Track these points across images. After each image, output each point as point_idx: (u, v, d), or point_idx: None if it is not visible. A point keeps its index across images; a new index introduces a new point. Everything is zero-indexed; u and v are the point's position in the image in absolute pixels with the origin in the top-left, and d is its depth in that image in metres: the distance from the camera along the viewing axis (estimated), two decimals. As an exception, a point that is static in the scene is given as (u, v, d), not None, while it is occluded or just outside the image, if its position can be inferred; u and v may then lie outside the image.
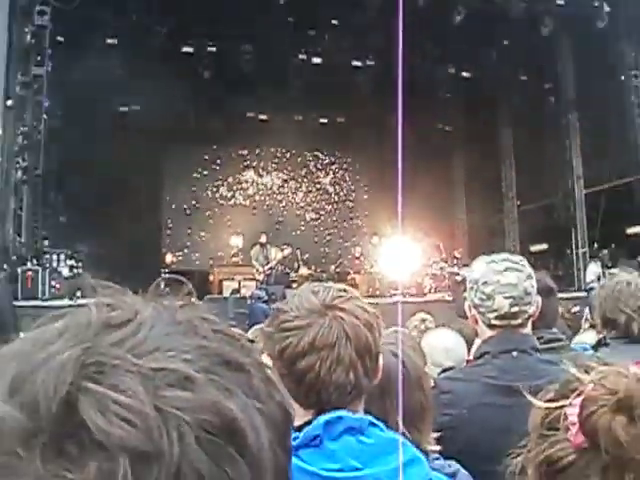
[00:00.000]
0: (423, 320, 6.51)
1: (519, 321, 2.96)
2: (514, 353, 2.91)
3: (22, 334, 0.73)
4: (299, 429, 1.71)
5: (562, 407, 1.31)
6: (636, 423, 1.21)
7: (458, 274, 20.29)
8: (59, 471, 0.54)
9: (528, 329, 3.03)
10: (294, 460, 1.55)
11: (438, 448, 2.42)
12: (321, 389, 1.76)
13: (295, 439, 1.66)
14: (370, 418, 1.78)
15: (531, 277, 3.01)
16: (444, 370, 3.78)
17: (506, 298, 2.92)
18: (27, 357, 0.62)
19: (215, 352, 0.66)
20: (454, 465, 2.32)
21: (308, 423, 1.74)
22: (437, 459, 2.35)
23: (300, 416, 1.79)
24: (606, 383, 1.27)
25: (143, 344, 0.63)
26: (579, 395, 1.29)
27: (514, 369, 2.83)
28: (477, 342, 3.42)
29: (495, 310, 2.94)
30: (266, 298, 16.52)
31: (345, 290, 1.91)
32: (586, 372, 1.34)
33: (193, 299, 0.77)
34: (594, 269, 19.83)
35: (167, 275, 17.21)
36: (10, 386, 0.59)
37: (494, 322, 2.97)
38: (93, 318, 0.66)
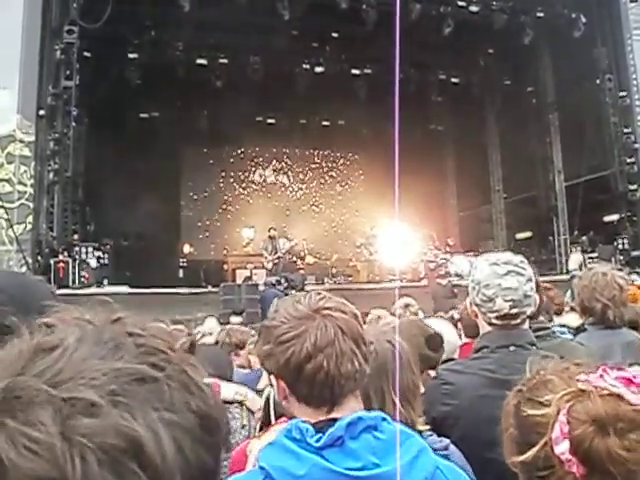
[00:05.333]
0: (407, 305, 6.49)
1: (518, 321, 2.92)
2: (511, 348, 2.87)
3: None
4: (320, 429, 1.69)
5: (545, 445, 1.33)
6: (623, 435, 1.25)
7: (433, 262, 20.33)
8: None
9: (526, 325, 2.99)
10: (318, 459, 1.62)
11: (428, 427, 2.43)
12: (333, 384, 1.75)
13: (318, 440, 1.66)
14: (382, 414, 1.76)
15: (531, 280, 2.94)
16: (444, 362, 3.73)
17: (506, 301, 2.87)
18: None
19: (128, 372, 0.69)
20: (444, 440, 2.33)
21: (328, 422, 1.71)
22: (430, 435, 2.36)
23: (311, 416, 1.78)
24: (579, 415, 1.30)
25: (61, 372, 0.67)
26: (552, 430, 1.31)
27: (511, 363, 2.74)
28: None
29: (496, 311, 2.90)
30: (285, 285, 16.54)
31: (319, 293, 1.91)
32: (543, 405, 1.38)
33: (122, 314, 0.80)
34: (577, 258, 19.78)
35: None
36: None
37: (494, 321, 2.93)
38: (25, 346, 0.70)
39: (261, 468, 1.67)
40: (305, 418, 1.76)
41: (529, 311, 2.95)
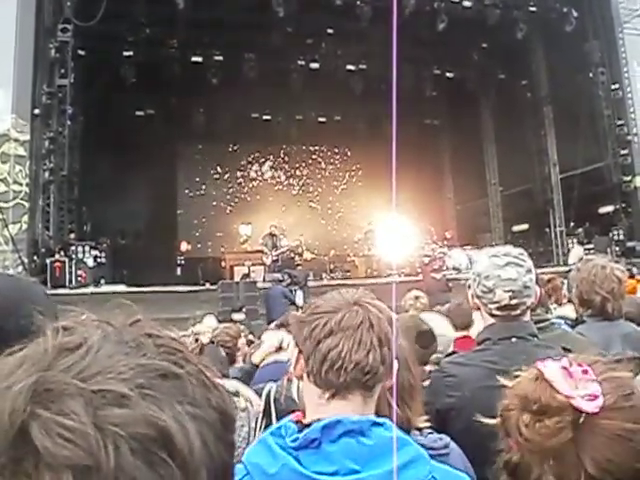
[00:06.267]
0: (417, 297, 6.68)
1: (518, 312, 2.96)
2: (513, 339, 2.92)
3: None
4: (305, 427, 1.68)
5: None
6: (537, 417, 1.31)
7: (428, 255, 20.35)
8: None
9: (527, 316, 3.03)
10: (290, 460, 1.60)
11: (428, 424, 2.40)
12: (341, 367, 1.74)
13: (295, 440, 1.65)
14: (373, 418, 1.73)
15: (530, 271, 2.98)
16: (447, 355, 3.80)
17: (506, 291, 2.91)
18: None
19: (153, 368, 0.71)
20: (445, 438, 2.32)
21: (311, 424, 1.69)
22: (430, 433, 2.35)
23: (316, 403, 1.78)
24: (515, 389, 1.40)
25: (88, 368, 0.68)
26: None
27: (513, 354, 2.80)
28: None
29: (496, 302, 2.94)
30: (288, 281, 16.60)
31: (369, 293, 1.96)
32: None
33: (140, 317, 0.81)
34: (577, 252, 19.87)
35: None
36: None
37: (495, 312, 2.97)
38: (49, 345, 0.72)
39: (242, 463, 1.67)
40: (311, 401, 1.78)
41: (529, 302, 2.98)
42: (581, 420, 1.27)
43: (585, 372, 1.33)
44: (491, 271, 2.94)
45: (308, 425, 1.69)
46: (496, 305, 2.94)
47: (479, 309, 3.08)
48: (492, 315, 2.99)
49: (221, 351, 5.23)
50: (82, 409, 0.64)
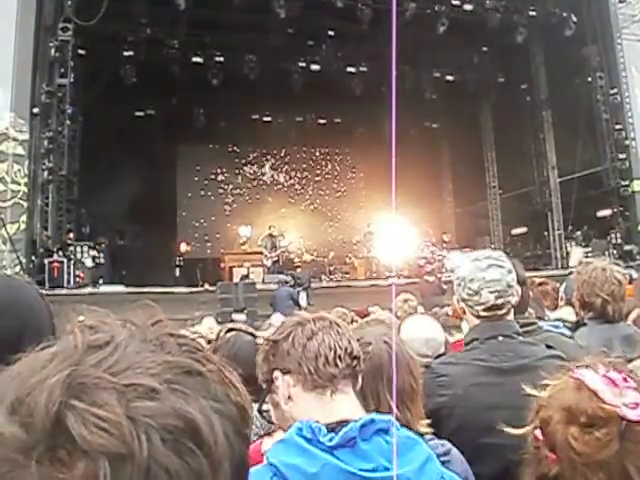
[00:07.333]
0: (406, 300, 6.84)
1: (504, 311, 3.04)
2: (500, 338, 2.99)
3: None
4: (332, 430, 1.70)
5: (535, 428, 1.39)
6: (585, 429, 1.27)
7: (423, 258, 20.36)
8: (53, 473, 0.63)
9: (511, 315, 3.10)
10: (331, 459, 1.64)
11: (431, 430, 2.42)
12: (336, 355, 1.86)
13: (331, 440, 1.68)
14: (392, 418, 1.76)
15: (511, 271, 3.07)
16: (437, 356, 3.81)
17: (491, 292, 3.00)
18: (25, 380, 0.69)
19: (178, 364, 0.74)
20: (446, 444, 2.34)
21: (340, 424, 1.72)
22: (431, 439, 2.36)
23: (320, 408, 1.83)
24: (556, 400, 1.36)
25: (117, 364, 0.71)
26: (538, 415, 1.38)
27: (501, 352, 2.93)
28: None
29: (482, 303, 3.02)
30: (292, 282, 16.63)
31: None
32: (544, 390, 1.44)
33: (162, 317, 0.84)
34: (578, 255, 19.91)
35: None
36: (11, 407, 0.67)
37: (482, 313, 3.04)
38: (78, 342, 0.74)
39: (270, 465, 1.67)
40: (315, 408, 1.83)
41: (513, 301, 3.07)
42: (623, 428, 1.25)
43: (625, 379, 1.31)
44: (475, 274, 3.02)
45: (332, 426, 1.72)
46: (483, 307, 3.01)
47: (464, 313, 3.16)
48: (478, 317, 3.06)
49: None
50: (115, 401, 0.67)
